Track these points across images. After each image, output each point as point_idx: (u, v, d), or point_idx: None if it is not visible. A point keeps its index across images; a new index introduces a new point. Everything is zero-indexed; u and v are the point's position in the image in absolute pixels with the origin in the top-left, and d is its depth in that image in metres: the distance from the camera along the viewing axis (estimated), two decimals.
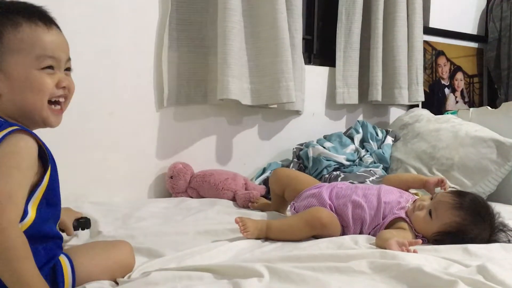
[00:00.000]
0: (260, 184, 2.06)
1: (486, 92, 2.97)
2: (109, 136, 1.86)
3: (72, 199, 1.62)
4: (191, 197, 1.93)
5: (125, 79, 1.89)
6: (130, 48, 1.90)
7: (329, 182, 1.96)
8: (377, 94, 2.42)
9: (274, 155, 2.27)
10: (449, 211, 1.29)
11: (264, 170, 2.16)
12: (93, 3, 1.80)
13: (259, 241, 1.30)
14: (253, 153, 2.22)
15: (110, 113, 1.86)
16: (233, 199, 1.90)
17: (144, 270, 1.04)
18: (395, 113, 2.64)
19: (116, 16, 1.86)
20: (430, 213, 1.31)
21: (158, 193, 1.99)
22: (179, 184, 1.93)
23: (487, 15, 2.93)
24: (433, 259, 1.10)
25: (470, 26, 2.92)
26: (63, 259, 0.94)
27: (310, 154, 2.12)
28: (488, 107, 2.29)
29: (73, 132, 1.77)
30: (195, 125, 2.08)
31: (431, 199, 1.37)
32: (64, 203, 1.06)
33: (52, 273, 0.91)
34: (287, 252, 1.17)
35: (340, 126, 2.48)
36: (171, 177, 1.94)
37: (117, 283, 1.00)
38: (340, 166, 2.10)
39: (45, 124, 0.94)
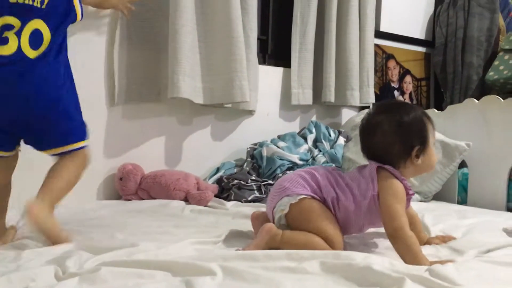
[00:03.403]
0: (213, 183, 2.05)
1: (433, 95, 3.08)
2: None
3: (15, 204, 1.52)
4: (142, 199, 1.90)
5: (75, 76, 1.83)
6: (80, 44, 1.84)
7: None
8: (330, 95, 2.46)
9: (227, 154, 2.27)
10: None
11: (217, 170, 2.15)
12: None
13: (215, 238, 1.29)
14: (206, 152, 2.21)
15: None
16: (185, 200, 1.88)
17: (94, 264, 1.02)
18: (347, 114, 2.69)
19: None
20: None
21: (107, 195, 1.94)
22: (129, 186, 1.89)
23: (434, 21, 3.04)
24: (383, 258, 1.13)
25: (418, 31, 3.03)
26: None
27: (264, 153, 2.14)
28: (435, 110, 2.38)
29: None
30: (147, 124, 2.04)
31: None
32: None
33: None
34: (243, 250, 1.17)
35: (293, 126, 2.50)
36: (121, 179, 1.90)
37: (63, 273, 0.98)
38: (293, 166, 2.12)
39: None
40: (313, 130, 2.33)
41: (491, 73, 2.73)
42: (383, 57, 2.84)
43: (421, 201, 2.05)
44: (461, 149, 2.06)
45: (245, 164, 2.15)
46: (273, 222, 1.27)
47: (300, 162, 2.14)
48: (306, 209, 1.22)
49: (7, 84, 1.24)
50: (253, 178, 2.03)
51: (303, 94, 2.44)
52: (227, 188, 1.99)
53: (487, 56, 2.84)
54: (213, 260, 1.03)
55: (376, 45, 2.73)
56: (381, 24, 2.78)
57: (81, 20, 1.40)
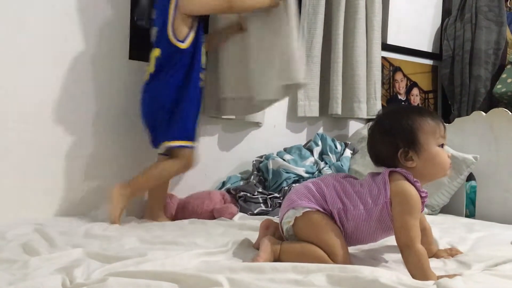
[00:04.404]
0: None
1: (440, 107, 3.07)
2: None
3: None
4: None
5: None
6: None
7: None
8: (337, 108, 2.47)
9: (234, 166, 2.27)
10: None
11: (223, 184, 2.15)
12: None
13: (223, 247, 1.30)
14: (213, 164, 2.21)
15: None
16: (213, 217, 1.85)
17: (102, 274, 1.02)
18: (354, 126, 2.69)
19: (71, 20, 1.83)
20: None
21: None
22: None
23: (441, 34, 3.04)
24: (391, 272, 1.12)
25: (425, 43, 3.03)
26: None
27: (270, 166, 2.13)
28: None
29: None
30: None
31: None
32: None
33: None
34: (250, 261, 1.17)
35: (300, 138, 2.51)
36: None
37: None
38: (299, 178, 2.11)
39: None
40: (319, 143, 2.33)
41: (499, 86, 2.73)
42: (390, 70, 2.84)
43: (428, 214, 2.03)
44: (469, 162, 2.05)
45: (252, 177, 2.15)
46: (282, 233, 1.29)
47: (306, 175, 2.13)
48: (310, 222, 1.22)
49: (141, 97, 1.79)
50: (260, 190, 2.03)
51: (310, 106, 2.44)
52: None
53: (494, 69, 2.83)
54: (220, 271, 1.03)
55: (383, 58, 2.73)
56: (388, 36, 2.79)
57: (177, 41, 1.74)
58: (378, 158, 1.27)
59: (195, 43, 1.78)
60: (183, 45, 1.74)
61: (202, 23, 1.83)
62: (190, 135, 1.78)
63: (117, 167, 1.95)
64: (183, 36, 1.74)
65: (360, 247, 1.34)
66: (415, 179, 1.20)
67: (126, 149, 1.98)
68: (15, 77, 1.73)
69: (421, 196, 1.20)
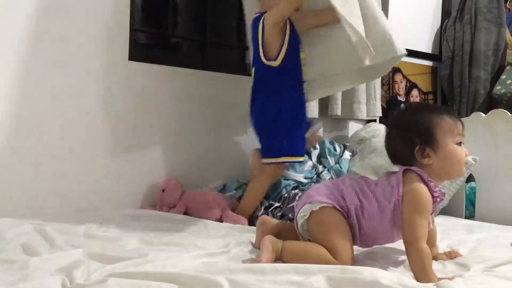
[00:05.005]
0: None
1: None
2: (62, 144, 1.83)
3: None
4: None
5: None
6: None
7: (287, 202, 1.91)
8: (337, 109, 2.47)
9: (234, 167, 2.25)
10: None
11: (224, 186, 2.13)
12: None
13: (224, 248, 1.30)
14: (211, 167, 2.19)
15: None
16: (220, 219, 1.83)
17: (102, 275, 1.02)
18: (354, 127, 2.69)
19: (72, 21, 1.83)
20: None
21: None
22: (169, 199, 1.93)
23: (441, 35, 3.05)
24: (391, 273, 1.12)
25: (425, 45, 3.04)
26: None
27: None
28: None
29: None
30: (156, 136, 2.05)
31: None
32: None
33: None
34: (252, 262, 1.17)
35: None
36: (163, 190, 1.95)
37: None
38: (299, 185, 2.06)
39: None
40: (317, 146, 2.29)
41: (498, 87, 2.73)
42: (390, 71, 2.84)
43: None
44: (468, 163, 2.05)
45: None
46: (297, 228, 1.30)
47: (305, 181, 2.07)
48: (324, 217, 1.23)
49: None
50: (262, 210, 1.93)
51: (309, 107, 2.42)
52: None
53: (494, 70, 2.84)
54: (220, 273, 1.03)
55: None
56: None
57: (268, 60, 1.77)
58: (395, 156, 1.27)
59: (290, 57, 1.76)
60: (275, 63, 1.75)
61: (296, 36, 1.79)
62: (276, 151, 1.82)
63: (113, 169, 1.96)
64: (274, 54, 1.75)
65: (359, 248, 1.34)
66: (429, 179, 1.20)
67: (123, 150, 1.98)
68: (15, 78, 1.72)
69: (433, 196, 1.20)
